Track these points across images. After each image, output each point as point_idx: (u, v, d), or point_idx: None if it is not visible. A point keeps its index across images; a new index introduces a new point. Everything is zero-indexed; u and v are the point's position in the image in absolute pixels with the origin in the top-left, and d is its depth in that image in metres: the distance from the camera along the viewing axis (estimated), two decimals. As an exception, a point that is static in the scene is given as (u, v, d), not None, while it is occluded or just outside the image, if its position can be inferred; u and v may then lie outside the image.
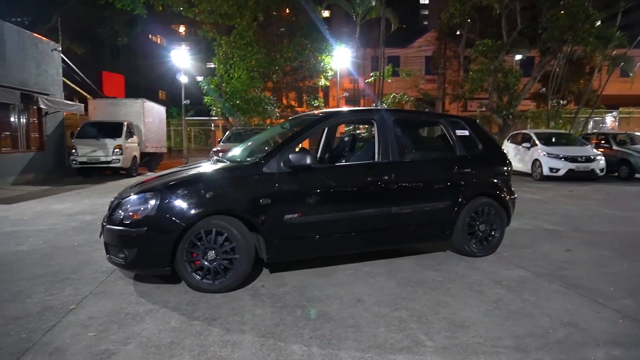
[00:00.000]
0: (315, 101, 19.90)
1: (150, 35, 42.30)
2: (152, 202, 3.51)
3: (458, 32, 21.14)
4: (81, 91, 18.14)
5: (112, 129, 14.90)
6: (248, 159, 4.25)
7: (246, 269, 3.64)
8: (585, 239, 5.56)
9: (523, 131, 15.59)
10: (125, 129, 15.05)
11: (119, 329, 2.94)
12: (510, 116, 17.15)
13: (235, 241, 3.58)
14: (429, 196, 4.41)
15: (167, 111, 24.91)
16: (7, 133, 12.53)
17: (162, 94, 43.36)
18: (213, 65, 17.73)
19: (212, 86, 16.75)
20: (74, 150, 14.17)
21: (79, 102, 16.30)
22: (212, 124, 26.07)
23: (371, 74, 19.82)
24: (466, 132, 4.72)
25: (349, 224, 4.04)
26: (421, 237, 4.52)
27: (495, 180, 4.81)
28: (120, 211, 3.61)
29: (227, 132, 15.11)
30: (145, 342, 2.76)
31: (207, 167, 4.08)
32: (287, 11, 18.78)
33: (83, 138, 14.43)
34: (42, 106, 12.24)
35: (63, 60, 15.98)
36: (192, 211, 3.51)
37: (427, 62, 27.33)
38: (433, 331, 2.90)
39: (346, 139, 5.30)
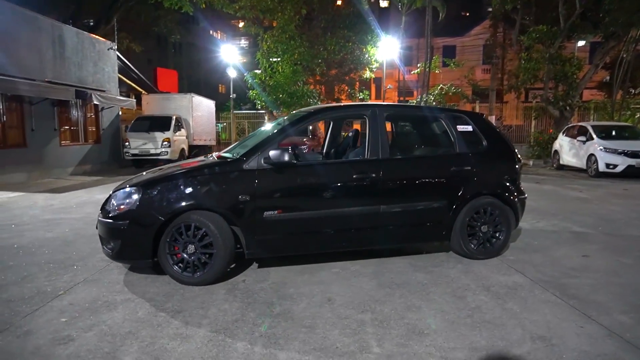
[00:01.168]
0: (361, 94, 19.66)
1: (211, 31, 43.83)
2: (135, 196, 3.66)
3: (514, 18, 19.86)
4: (137, 87, 19.22)
5: (162, 123, 15.72)
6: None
7: (224, 264, 3.70)
8: (613, 244, 5.07)
9: (580, 124, 14.43)
10: (173, 122, 15.80)
11: (89, 316, 3.11)
12: (568, 107, 15.93)
13: (212, 236, 3.64)
14: (422, 195, 4.22)
15: (224, 105, 25.82)
16: (66, 127, 13.58)
17: (222, 87, 44.85)
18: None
19: (256, 80, 17.08)
20: (127, 143, 15.12)
21: (135, 98, 17.32)
22: (265, 117, 26.63)
23: (418, 65, 19.16)
24: (469, 128, 4.46)
25: (332, 222, 3.97)
26: (414, 238, 4.35)
27: (500, 179, 4.51)
28: (109, 204, 3.81)
29: (261, 128, 15.39)
30: (105, 330, 2.90)
31: (195, 163, 4.18)
32: (337, 3, 18.62)
33: (135, 131, 15.36)
34: (95, 102, 13.12)
35: (120, 58, 17.04)
36: (171, 206, 3.62)
37: (485, 51, 26.02)
38: (387, 337, 2.79)
39: (350, 134, 5.20)
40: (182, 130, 16.41)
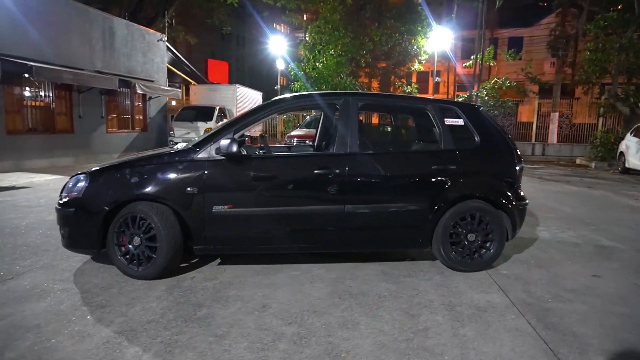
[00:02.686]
0: (409, 87, 18.84)
1: (275, 24, 44.32)
2: (82, 184, 3.56)
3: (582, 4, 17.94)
4: (188, 78, 19.80)
5: (205, 113, 16.08)
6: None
7: (168, 258, 3.50)
8: (639, 263, 4.27)
9: (651, 123, 12.75)
10: (216, 113, 16.10)
11: (13, 305, 3.04)
12: (640, 104, 14.15)
13: (155, 229, 3.46)
14: (395, 196, 3.75)
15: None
16: (113, 115, 14.24)
17: (284, 80, 45.33)
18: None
19: (300, 72, 16.91)
20: (172, 132, 15.63)
21: (186, 88, 17.88)
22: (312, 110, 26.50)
23: (472, 57, 17.94)
24: (458, 122, 3.90)
25: (288, 220, 3.64)
26: (385, 243, 3.89)
27: (494, 181, 3.92)
28: (63, 191, 3.74)
29: (307, 117, 15.19)
30: (15, 321, 2.80)
31: (151, 151, 4.02)
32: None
33: (180, 121, 15.84)
34: (139, 91, 13.60)
35: (171, 50, 17.60)
36: (115, 195, 3.48)
37: (549, 42, 23.83)
38: (294, 357, 2.44)
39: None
40: (225, 120, 16.66)
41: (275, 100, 3.85)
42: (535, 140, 18.59)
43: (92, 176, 3.57)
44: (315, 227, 3.69)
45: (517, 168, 3.95)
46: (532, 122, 18.87)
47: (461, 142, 3.90)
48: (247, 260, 4.04)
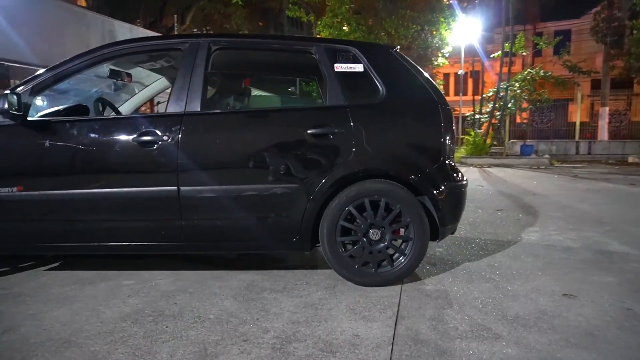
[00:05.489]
0: (432, 83, 17.26)
1: (288, 27, 43.84)
2: None
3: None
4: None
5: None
6: None
7: None
8: (656, 277, 2.82)
9: None
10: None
11: None
12: None
13: None
14: (253, 173, 2.60)
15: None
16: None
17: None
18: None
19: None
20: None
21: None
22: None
23: (506, 44, 16.09)
24: (356, 67, 2.69)
25: (100, 208, 2.59)
26: (241, 242, 2.70)
27: (407, 152, 2.67)
28: None
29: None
30: None
31: None
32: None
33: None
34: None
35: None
36: None
37: (593, 27, 21.27)
38: None
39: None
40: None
41: (98, 47, 2.81)
42: (580, 138, 16.43)
43: None
44: (138, 218, 2.61)
45: (443, 131, 2.66)
46: (576, 118, 16.72)
47: (356, 96, 2.70)
48: (87, 262, 3.03)
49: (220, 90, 3.17)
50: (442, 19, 15.76)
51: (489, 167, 13.09)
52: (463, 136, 16.07)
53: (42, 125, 2.61)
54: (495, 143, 16.25)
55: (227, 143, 2.59)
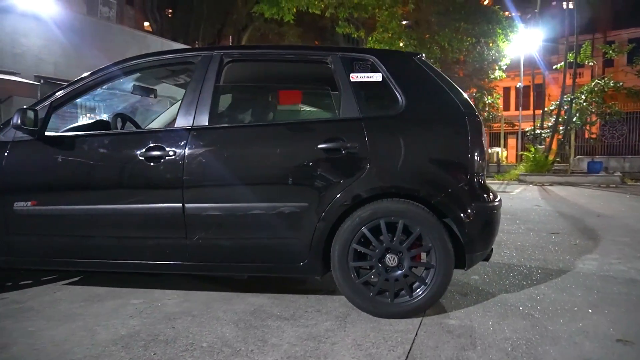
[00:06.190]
0: (489, 98, 16.52)
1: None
2: None
3: None
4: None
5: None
6: None
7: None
8: None
9: None
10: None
11: None
12: None
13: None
14: (261, 190, 2.44)
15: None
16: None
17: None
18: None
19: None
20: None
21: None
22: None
23: (570, 54, 15.01)
24: (374, 77, 2.48)
25: (106, 224, 2.55)
26: (247, 264, 2.52)
27: (429, 169, 2.40)
28: None
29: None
30: None
31: None
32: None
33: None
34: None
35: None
36: None
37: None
38: None
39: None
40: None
41: (112, 63, 2.80)
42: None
43: None
44: (145, 236, 2.53)
45: (472, 146, 2.37)
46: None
47: (373, 108, 2.48)
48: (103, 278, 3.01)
49: (233, 103, 3.07)
50: (499, 30, 15.09)
51: (550, 185, 12.17)
52: (522, 152, 15.11)
53: (55, 141, 2.62)
54: (558, 160, 15.14)
55: (232, 158, 2.46)
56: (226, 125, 2.74)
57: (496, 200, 2.45)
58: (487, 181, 2.63)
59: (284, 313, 2.46)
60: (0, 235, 2.62)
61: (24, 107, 2.52)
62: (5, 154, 2.61)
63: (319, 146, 2.37)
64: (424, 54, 2.67)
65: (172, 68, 3.02)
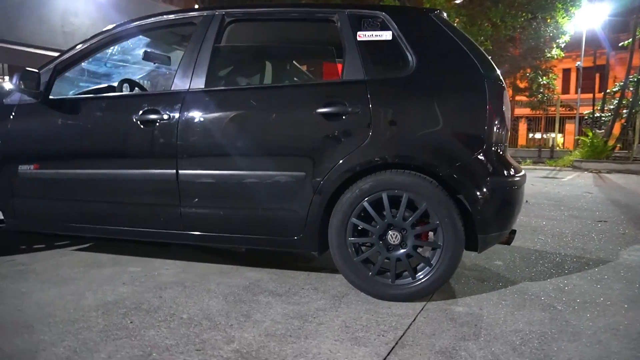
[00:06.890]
0: (544, 79, 15.40)
1: None
2: None
3: None
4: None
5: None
6: None
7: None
8: None
9: None
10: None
11: None
12: None
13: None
14: (256, 157, 2.28)
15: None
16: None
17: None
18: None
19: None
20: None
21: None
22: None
23: (638, 29, 13.63)
24: (383, 35, 2.23)
25: (101, 189, 2.50)
26: (241, 235, 2.37)
27: (439, 137, 2.13)
28: None
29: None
30: None
31: None
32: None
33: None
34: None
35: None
36: None
37: None
38: None
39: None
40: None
41: (115, 25, 2.70)
42: None
43: None
44: (140, 202, 2.46)
45: (490, 113, 2.08)
46: None
47: (379, 69, 2.23)
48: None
49: (233, 66, 2.92)
50: (559, 5, 13.94)
51: (608, 172, 11.23)
52: (579, 137, 14.04)
53: (57, 104, 2.59)
54: (619, 145, 13.95)
55: (226, 123, 2.31)
56: (222, 88, 2.60)
57: (517, 175, 2.16)
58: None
59: (279, 289, 2.31)
60: (7, 199, 2.65)
61: (26, 68, 2.49)
62: (11, 117, 2.61)
63: (318, 110, 2.17)
64: (442, 10, 2.37)
65: (177, 30, 2.91)
